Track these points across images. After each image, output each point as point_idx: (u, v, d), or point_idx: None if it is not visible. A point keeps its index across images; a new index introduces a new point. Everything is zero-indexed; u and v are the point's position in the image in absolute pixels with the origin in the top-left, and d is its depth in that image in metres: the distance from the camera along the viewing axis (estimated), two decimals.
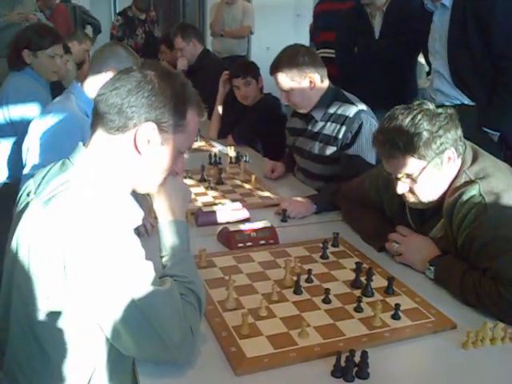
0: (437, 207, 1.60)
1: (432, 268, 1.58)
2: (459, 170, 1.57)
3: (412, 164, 1.53)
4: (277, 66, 2.30)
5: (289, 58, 2.28)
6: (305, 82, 2.29)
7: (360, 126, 2.24)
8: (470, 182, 1.52)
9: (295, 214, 2.07)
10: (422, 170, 1.53)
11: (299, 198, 2.14)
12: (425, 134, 1.49)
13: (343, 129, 2.28)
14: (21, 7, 4.85)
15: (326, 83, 2.37)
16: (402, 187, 1.58)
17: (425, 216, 1.70)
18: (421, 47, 3.06)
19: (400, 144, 1.51)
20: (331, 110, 2.34)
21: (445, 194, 1.58)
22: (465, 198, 1.50)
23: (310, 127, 2.44)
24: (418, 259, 1.64)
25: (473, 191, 1.49)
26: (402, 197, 1.64)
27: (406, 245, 1.68)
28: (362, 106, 2.32)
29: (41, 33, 2.79)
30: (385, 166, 1.62)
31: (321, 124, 2.38)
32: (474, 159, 1.58)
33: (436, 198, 1.59)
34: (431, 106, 1.56)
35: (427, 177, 1.54)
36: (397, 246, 1.70)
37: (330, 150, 2.34)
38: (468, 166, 1.56)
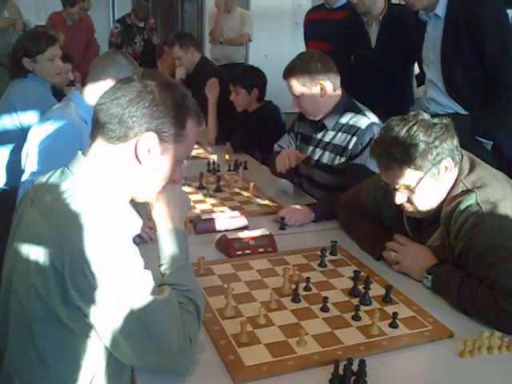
0: (434, 216, 1.61)
1: (429, 277, 1.59)
2: (456, 180, 1.58)
3: (409, 175, 1.54)
4: (289, 71, 2.31)
5: (302, 64, 2.28)
6: (316, 89, 2.28)
7: (371, 139, 2.20)
8: (467, 191, 1.53)
9: (293, 221, 2.08)
10: (420, 181, 1.54)
11: (298, 206, 2.14)
12: (421, 145, 1.50)
13: (354, 139, 2.26)
14: (6, 13, 4.90)
15: (339, 92, 2.36)
16: (400, 198, 1.59)
17: (422, 225, 1.71)
18: (416, 56, 3.08)
19: (397, 156, 1.52)
20: (343, 120, 2.33)
21: (442, 202, 1.59)
22: (462, 207, 1.51)
23: (319, 136, 2.42)
24: (416, 268, 1.65)
25: (470, 200, 1.50)
26: (399, 206, 1.65)
27: (403, 253, 1.69)
28: (375, 119, 2.31)
29: (35, 38, 2.82)
30: (383, 178, 1.63)
31: (332, 134, 2.36)
32: (471, 168, 1.59)
33: (434, 207, 1.60)
34: (426, 117, 1.57)
35: (425, 187, 1.55)
36: (394, 254, 1.71)
37: (340, 161, 2.32)
38: (465, 176, 1.57)
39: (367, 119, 2.28)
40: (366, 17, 3.23)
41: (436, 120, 1.57)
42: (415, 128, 1.52)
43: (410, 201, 1.59)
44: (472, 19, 2.49)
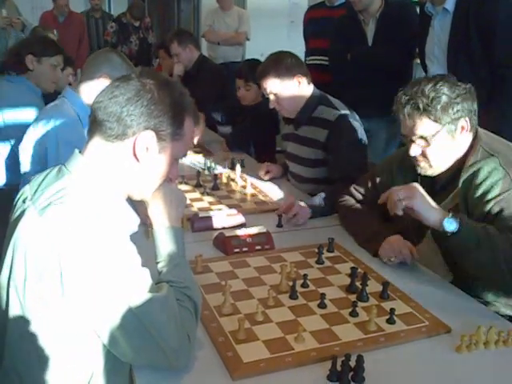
0: (447, 181, 1.67)
1: (455, 219, 1.51)
2: (475, 144, 1.65)
3: (427, 126, 1.61)
4: (265, 71, 2.36)
5: (275, 62, 2.34)
6: (294, 83, 2.34)
7: (341, 130, 2.29)
8: (489, 156, 1.60)
9: (302, 221, 2.05)
10: (436, 133, 1.61)
11: (302, 203, 2.10)
12: (444, 98, 1.58)
13: (325, 132, 2.33)
14: (5, 12, 4.90)
15: (312, 87, 2.42)
16: (415, 149, 1.66)
17: (435, 190, 1.74)
18: (414, 53, 3.07)
19: (420, 105, 1.59)
20: (315, 115, 2.39)
21: (455, 165, 1.65)
22: (486, 170, 1.58)
23: (297, 132, 2.49)
24: (432, 208, 1.56)
25: (492, 164, 1.58)
26: (414, 177, 1.73)
27: (412, 193, 1.58)
28: (345, 111, 2.37)
29: (45, 41, 2.83)
30: (402, 128, 1.69)
31: (306, 128, 2.43)
32: (487, 136, 1.67)
33: (445, 167, 1.66)
34: (452, 79, 1.66)
35: (440, 141, 1.62)
36: (393, 258, 1.72)
37: (315, 153, 2.40)
38: (484, 142, 1.64)
39: (337, 112, 2.34)
40: (363, 15, 3.23)
41: (460, 82, 1.65)
42: (441, 83, 1.60)
43: (423, 154, 1.65)
44: (483, 14, 2.48)
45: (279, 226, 2.05)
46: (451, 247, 1.56)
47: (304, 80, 2.35)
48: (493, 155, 1.60)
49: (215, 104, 3.63)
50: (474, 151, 1.64)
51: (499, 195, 1.55)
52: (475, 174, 1.59)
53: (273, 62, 2.35)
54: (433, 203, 1.58)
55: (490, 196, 1.56)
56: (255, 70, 3.32)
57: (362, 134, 2.38)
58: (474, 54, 2.55)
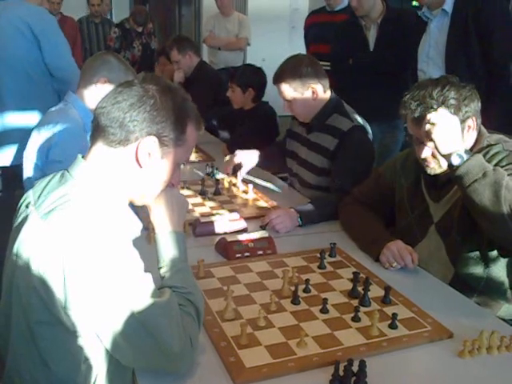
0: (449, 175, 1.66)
1: (465, 155, 1.54)
2: (480, 138, 1.70)
3: None
4: (280, 77, 2.33)
5: (292, 69, 2.30)
6: (307, 93, 2.31)
7: (352, 142, 2.26)
8: (493, 144, 1.67)
9: (284, 230, 2.02)
10: None
11: (291, 209, 2.08)
12: (452, 102, 1.62)
13: (336, 142, 2.30)
14: None
15: (329, 93, 2.39)
16: (426, 152, 1.68)
17: (438, 185, 1.78)
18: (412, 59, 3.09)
19: (435, 106, 1.61)
20: (329, 122, 2.36)
21: None
22: (491, 153, 1.64)
23: (308, 136, 2.47)
24: (452, 138, 1.57)
25: (496, 149, 1.64)
26: (417, 174, 1.81)
27: (441, 118, 1.58)
28: (359, 122, 2.34)
29: None
30: (412, 131, 1.71)
31: (318, 134, 2.41)
32: (490, 133, 1.73)
33: None
34: (455, 80, 1.69)
35: None
36: (395, 264, 1.71)
37: (323, 161, 2.37)
38: (488, 136, 1.71)
39: (350, 122, 2.30)
40: (365, 20, 3.25)
41: (463, 83, 1.68)
42: (447, 87, 1.64)
43: (434, 155, 1.67)
44: (482, 16, 2.52)
45: (263, 228, 2.01)
46: (460, 174, 1.53)
47: (320, 88, 2.32)
48: (496, 143, 1.67)
49: (211, 108, 3.64)
50: (478, 144, 1.69)
51: (506, 165, 1.59)
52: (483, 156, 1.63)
53: (288, 70, 2.31)
54: (455, 134, 1.57)
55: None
56: (243, 74, 3.35)
57: (370, 148, 2.35)
58: (472, 54, 2.58)
